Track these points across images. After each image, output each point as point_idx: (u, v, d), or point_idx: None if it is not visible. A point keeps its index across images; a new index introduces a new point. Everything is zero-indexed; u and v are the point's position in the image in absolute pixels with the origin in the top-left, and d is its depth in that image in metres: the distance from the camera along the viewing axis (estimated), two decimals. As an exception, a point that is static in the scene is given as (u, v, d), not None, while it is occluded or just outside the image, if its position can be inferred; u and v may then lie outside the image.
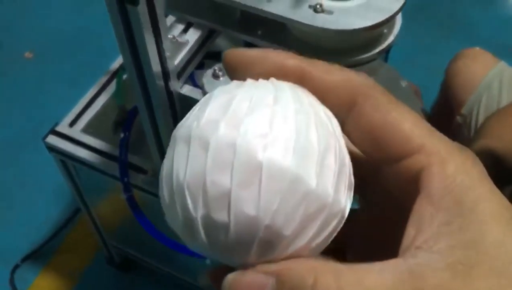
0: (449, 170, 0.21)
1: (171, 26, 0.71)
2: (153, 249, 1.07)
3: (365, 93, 0.23)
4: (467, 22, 1.66)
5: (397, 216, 0.24)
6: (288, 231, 0.20)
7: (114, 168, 0.84)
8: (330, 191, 0.21)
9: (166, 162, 0.22)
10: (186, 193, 0.20)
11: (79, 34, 1.61)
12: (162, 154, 0.78)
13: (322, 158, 0.21)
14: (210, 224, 0.20)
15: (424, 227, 0.21)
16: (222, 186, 0.20)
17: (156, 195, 0.84)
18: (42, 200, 1.32)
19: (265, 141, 0.20)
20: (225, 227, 0.20)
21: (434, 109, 1.16)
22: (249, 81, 0.23)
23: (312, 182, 0.20)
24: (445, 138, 0.22)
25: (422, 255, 0.20)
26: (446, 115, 1.05)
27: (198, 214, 0.20)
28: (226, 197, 0.20)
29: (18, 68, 1.56)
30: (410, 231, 0.21)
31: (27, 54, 1.59)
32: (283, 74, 0.24)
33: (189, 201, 0.20)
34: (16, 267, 1.22)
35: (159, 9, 0.58)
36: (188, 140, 0.21)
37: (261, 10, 0.65)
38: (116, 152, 0.84)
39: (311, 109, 0.22)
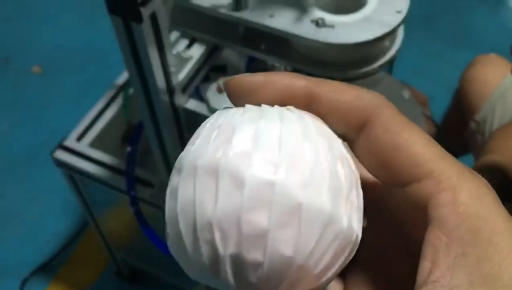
0: (462, 197, 0.20)
1: (176, 42, 0.72)
2: (161, 261, 1.08)
3: (376, 113, 0.22)
4: (472, 31, 1.66)
5: (398, 243, 0.24)
6: (318, 269, 0.20)
7: (121, 182, 0.85)
8: (355, 227, 0.21)
9: (182, 192, 0.21)
10: (215, 229, 0.19)
11: (86, 49, 1.63)
12: (168, 167, 0.78)
13: (348, 195, 0.21)
14: (241, 263, 0.20)
15: (440, 259, 0.20)
16: (259, 225, 0.19)
17: (162, 209, 0.85)
18: (50, 213, 1.33)
19: (303, 181, 0.20)
20: (257, 266, 0.20)
21: (446, 116, 1.16)
22: (265, 106, 0.22)
23: (344, 222, 0.20)
24: (458, 163, 0.21)
25: None
26: (459, 121, 1.05)
27: (227, 251, 0.20)
28: (263, 237, 0.19)
29: (27, 82, 1.58)
30: (425, 264, 0.20)
31: (36, 69, 1.60)
32: (291, 98, 0.23)
33: (217, 238, 0.19)
34: (26, 280, 1.23)
35: (163, 26, 0.59)
36: (215, 173, 0.20)
37: (264, 26, 0.65)
38: (123, 166, 0.85)
39: (335, 144, 0.22)
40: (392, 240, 0.24)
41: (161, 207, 0.85)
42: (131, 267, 1.20)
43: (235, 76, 0.23)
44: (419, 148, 0.21)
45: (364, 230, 0.26)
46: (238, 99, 0.24)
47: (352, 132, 0.23)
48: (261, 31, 0.67)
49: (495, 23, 1.69)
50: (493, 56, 1.06)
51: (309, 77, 0.23)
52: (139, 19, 0.55)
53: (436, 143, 0.22)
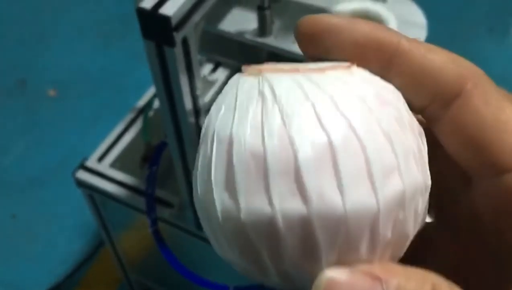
0: None
1: (201, 65, 0.75)
2: (175, 283, 1.09)
3: (475, 81, 0.19)
4: (480, 59, 1.68)
5: (482, 247, 0.20)
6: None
7: (141, 202, 0.86)
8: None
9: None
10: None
11: (101, 73, 1.66)
12: (190, 187, 0.80)
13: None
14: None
15: None
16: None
17: (181, 228, 0.86)
18: (64, 234, 1.34)
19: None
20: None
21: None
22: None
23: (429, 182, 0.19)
24: None
25: None
26: None
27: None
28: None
29: (42, 105, 1.60)
30: None
31: (51, 92, 1.63)
32: (374, 48, 0.19)
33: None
34: (38, 301, 1.23)
35: (193, 51, 0.62)
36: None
37: (287, 51, 0.68)
38: (143, 186, 0.86)
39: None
40: (476, 246, 0.21)
41: (180, 227, 0.86)
42: (145, 288, 1.21)
43: (311, 15, 0.20)
44: None
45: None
46: (308, 43, 0.21)
47: (440, 103, 0.19)
48: (283, 56, 0.70)
49: (503, 54, 1.71)
50: None
51: (396, 31, 0.20)
52: (172, 43, 0.57)
53: None
